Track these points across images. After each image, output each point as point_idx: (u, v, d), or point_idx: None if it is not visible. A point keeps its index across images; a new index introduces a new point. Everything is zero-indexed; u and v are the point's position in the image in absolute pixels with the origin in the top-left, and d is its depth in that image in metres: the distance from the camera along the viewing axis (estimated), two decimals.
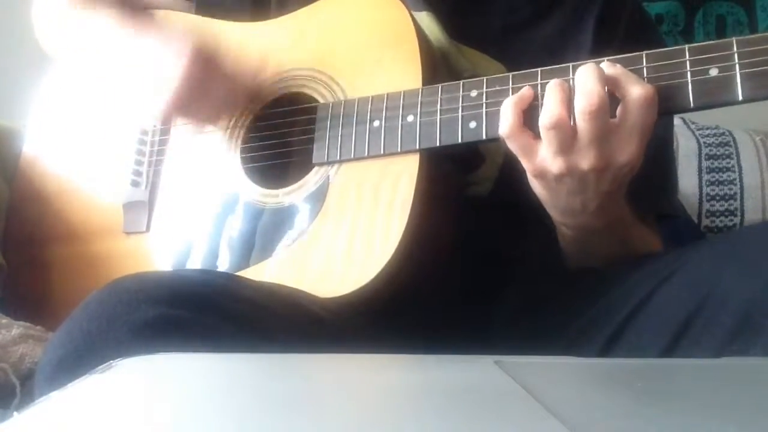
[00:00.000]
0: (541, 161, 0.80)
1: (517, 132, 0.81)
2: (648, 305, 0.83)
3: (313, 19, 1.01)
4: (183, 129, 1.07)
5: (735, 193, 1.60)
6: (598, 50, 0.90)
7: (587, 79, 0.78)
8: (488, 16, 1.01)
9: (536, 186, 0.84)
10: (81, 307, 0.73)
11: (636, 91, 0.77)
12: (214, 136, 1.04)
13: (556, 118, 0.78)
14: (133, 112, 1.08)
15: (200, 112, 0.99)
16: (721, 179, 1.62)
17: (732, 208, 1.60)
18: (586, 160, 0.78)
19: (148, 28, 0.99)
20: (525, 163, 0.82)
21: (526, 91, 0.82)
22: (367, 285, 0.85)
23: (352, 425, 0.42)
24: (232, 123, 1.03)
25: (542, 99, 0.81)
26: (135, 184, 1.08)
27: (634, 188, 0.85)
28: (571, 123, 0.78)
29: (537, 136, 0.80)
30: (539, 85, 0.83)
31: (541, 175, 0.81)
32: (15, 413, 0.46)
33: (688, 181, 1.61)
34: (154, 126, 1.09)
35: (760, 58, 0.75)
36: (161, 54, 0.95)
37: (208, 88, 0.96)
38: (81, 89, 1.18)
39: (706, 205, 1.61)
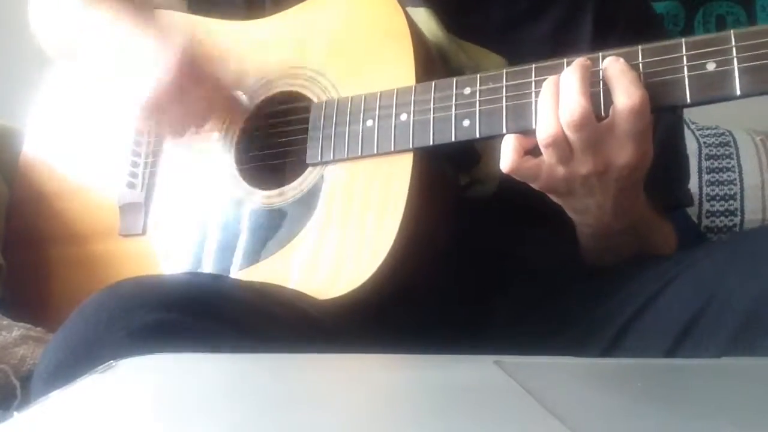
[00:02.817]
0: (548, 178, 0.80)
1: (519, 164, 0.80)
2: (652, 306, 0.83)
3: (306, 17, 1.01)
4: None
5: (735, 193, 1.60)
6: (598, 42, 0.89)
7: (569, 89, 0.77)
8: (487, 10, 1.01)
9: (551, 196, 0.84)
10: (77, 312, 0.72)
11: (622, 100, 0.76)
12: (209, 137, 1.04)
13: (552, 136, 0.77)
14: (117, 111, 1.07)
15: (180, 117, 0.99)
16: (721, 179, 1.62)
17: (732, 208, 1.60)
18: (584, 167, 0.78)
19: (139, 27, 0.99)
20: (534, 185, 0.82)
21: (529, 140, 0.81)
22: (362, 286, 0.85)
23: (351, 425, 0.42)
24: (227, 123, 1.02)
25: (534, 97, 0.80)
26: (131, 185, 1.07)
27: (648, 179, 0.85)
28: (566, 134, 0.78)
29: (536, 154, 0.80)
30: (533, 82, 0.82)
31: (552, 189, 0.82)
32: (15, 413, 0.46)
33: None
34: (150, 127, 1.09)
35: (759, 52, 0.74)
36: (147, 55, 0.95)
37: (190, 93, 0.95)
38: (79, 91, 1.18)
39: (706, 205, 1.60)
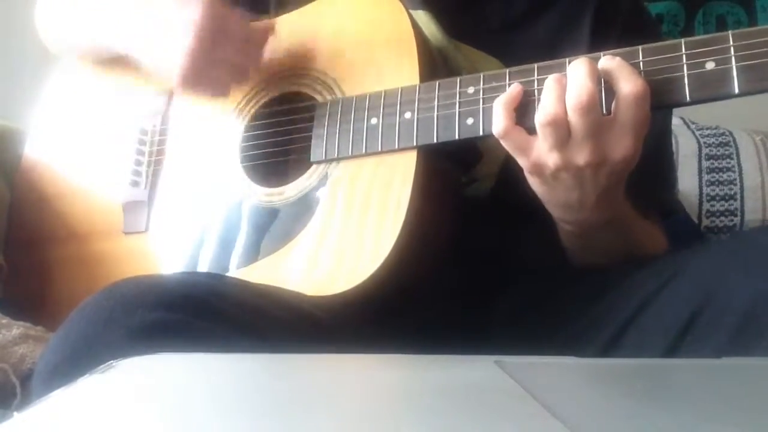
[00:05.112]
0: (537, 157, 0.80)
1: (511, 131, 0.81)
2: (651, 306, 0.83)
3: (311, 19, 1.01)
4: (181, 129, 1.08)
5: (735, 193, 1.60)
6: (595, 46, 0.90)
7: (578, 74, 0.78)
8: (485, 13, 1.01)
9: (534, 183, 0.84)
10: (77, 311, 0.73)
11: (626, 87, 0.77)
12: (213, 135, 1.04)
13: (552, 115, 0.78)
14: (148, 81, 1.05)
15: (224, 69, 0.95)
16: (721, 179, 1.62)
17: (732, 208, 1.60)
18: (581, 155, 0.79)
19: None
20: (521, 161, 0.82)
21: (514, 88, 0.83)
22: (364, 282, 0.86)
23: (351, 425, 0.42)
24: (231, 122, 1.03)
25: (537, 95, 0.81)
26: (134, 184, 1.08)
27: (633, 183, 0.85)
28: (567, 119, 0.78)
29: (531, 132, 0.81)
30: (535, 81, 0.83)
31: (538, 171, 0.82)
32: (15, 413, 0.46)
33: (688, 181, 1.61)
34: (154, 125, 1.09)
35: (756, 51, 0.75)
36: (176, 13, 0.92)
37: (229, 38, 0.92)
38: (82, 90, 1.18)
39: (706, 206, 1.61)
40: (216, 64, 0.93)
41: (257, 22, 0.98)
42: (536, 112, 0.80)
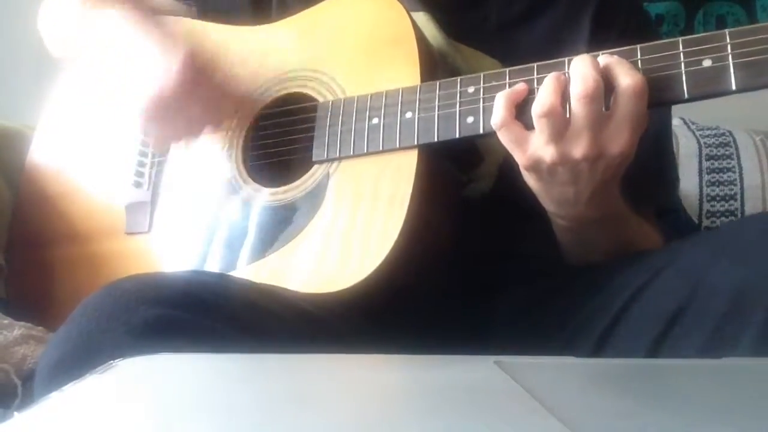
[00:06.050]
0: (534, 152, 0.81)
1: (510, 123, 0.81)
2: (640, 298, 0.84)
3: (313, 21, 1.02)
4: None
5: (735, 194, 1.60)
6: (594, 46, 0.90)
7: (583, 65, 0.79)
8: (484, 14, 1.02)
9: (530, 179, 0.84)
10: (79, 309, 0.73)
11: (625, 81, 0.78)
12: (216, 137, 1.04)
13: (549, 106, 0.79)
14: (124, 112, 1.07)
15: (179, 125, 0.98)
16: (721, 179, 1.61)
17: (732, 208, 1.60)
18: (578, 149, 0.79)
19: (145, 32, 0.98)
20: (517, 155, 0.82)
21: (520, 86, 0.83)
22: (364, 280, 0.86)
23: (351, 425, 0.42)
24: (234, 124, 1.03)
25: (536, 94, 0.82)
26: (137, 184, 1.08)
27: (632, 181, 0.86)
28: (565, 112, 0.79)
29: (529, 128, 0.81)
30: (535, 80, 0.84)
31: (534, 166, 0.82)
32: (15, 413, 0.46)
33: (688, 181, 1.60)
34: (147, 130, 1.09)
35: (752, 48, 0.76)
36: (150, 60, 0.95)
37: (191, 101, 0.95)
38: (85, 92, 1.19)
39: (706, 206, 1.60)
40: (179, 113, 0.95)
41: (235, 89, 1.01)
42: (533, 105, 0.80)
